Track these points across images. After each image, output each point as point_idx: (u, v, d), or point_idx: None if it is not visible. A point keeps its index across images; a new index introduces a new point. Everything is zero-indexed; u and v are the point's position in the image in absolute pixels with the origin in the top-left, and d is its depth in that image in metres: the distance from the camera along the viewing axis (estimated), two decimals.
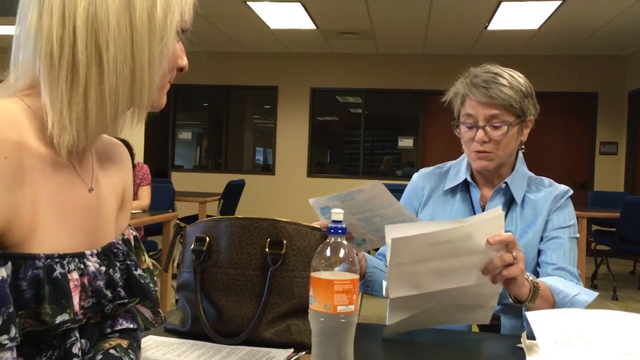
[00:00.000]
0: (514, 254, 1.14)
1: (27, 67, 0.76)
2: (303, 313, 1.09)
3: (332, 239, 0.88)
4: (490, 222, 1.13)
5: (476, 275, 1.15)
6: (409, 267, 1.11)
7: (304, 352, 1.01)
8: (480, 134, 1.47)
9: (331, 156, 9.11)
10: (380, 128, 8.80)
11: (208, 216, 5.76)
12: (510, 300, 1.36)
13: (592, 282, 5.92)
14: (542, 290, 1.27)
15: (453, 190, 1.60)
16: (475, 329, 1.46)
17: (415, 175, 1.69)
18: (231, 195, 6.02)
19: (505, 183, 1.54)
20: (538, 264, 1.52)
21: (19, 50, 0.77)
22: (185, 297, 1.17)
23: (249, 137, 9.45)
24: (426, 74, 8.34)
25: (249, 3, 6.08)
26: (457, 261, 1.12)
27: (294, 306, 1.10)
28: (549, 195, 1.54)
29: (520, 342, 1.12)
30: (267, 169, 9.03)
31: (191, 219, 5.78)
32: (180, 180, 8.38)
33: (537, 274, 1.53)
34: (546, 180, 1.59)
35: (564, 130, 8.19)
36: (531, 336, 1.09)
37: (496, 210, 1.13)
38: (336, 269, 0.86)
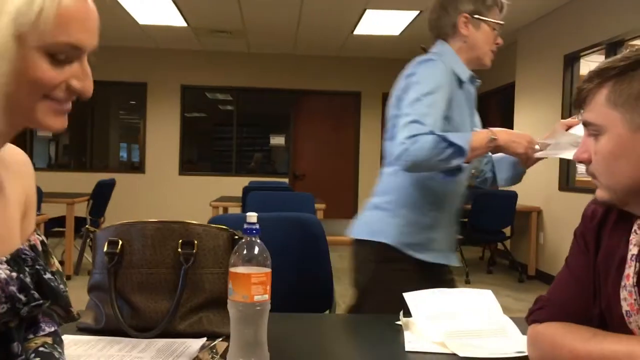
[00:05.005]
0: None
1: None
2: (213, 305, 1.21)
3: (248, 239, 1.02)
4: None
5: None
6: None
7: (219, 340, 1.14)
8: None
9: (201, 154, 9.07)
10: (252, 126, 8.93)
11: (77, 217, 5.55)
12: None
13: None
14: None
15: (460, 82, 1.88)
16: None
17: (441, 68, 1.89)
18: (101, 195, 5.83)
19: None
20: None
21: None
22: (97, 297, 1.24)
23: (114, 135, 9.12)
24: (297, 74, 8.61)
25: None
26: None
27: (204, 300, 1.22)
28: None
29: (399, 320, 1.33)
30: (133, 166, 8.79)
31: (59, 221, 5.53)
32: (40, 181, 7.88)
33: None
34: None
35: None
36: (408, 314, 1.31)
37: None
38: (251, 264, 1.00)
